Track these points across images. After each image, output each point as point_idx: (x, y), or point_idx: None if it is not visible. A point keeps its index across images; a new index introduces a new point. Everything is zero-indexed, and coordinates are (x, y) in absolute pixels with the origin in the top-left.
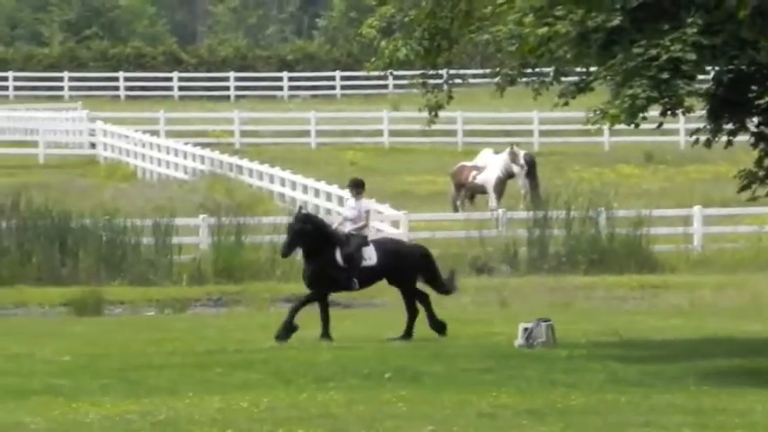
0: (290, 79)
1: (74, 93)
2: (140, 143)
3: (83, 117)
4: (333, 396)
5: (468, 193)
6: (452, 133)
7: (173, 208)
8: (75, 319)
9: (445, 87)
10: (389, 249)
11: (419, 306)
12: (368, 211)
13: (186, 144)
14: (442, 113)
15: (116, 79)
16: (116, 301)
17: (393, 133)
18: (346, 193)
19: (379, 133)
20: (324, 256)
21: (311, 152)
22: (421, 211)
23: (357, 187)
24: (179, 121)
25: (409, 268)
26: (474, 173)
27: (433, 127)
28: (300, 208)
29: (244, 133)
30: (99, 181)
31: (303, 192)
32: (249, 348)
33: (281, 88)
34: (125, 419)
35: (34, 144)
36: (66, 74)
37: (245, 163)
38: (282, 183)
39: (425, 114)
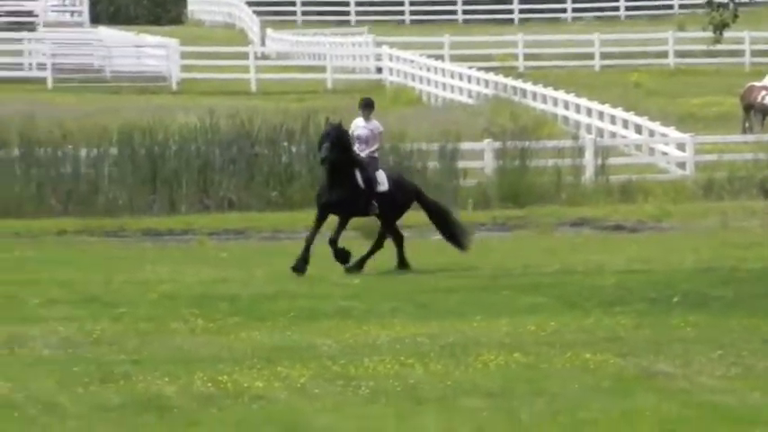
0: (574, 1)
1: (360, 18)
2: (425, 68)
3: (369, 42)
4: (620, 320)
5: (759, 114)
6: (739, 53)
7: (457, 132)
8: (364, 243)
9: (731, 6)
10: (396, 179)
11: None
12: (381, 132)
13: (470, 68)
14: (728, 34)
15: (401, 4)
16: (404, 225)
17: (678, 54)
18: (630, 116)
19: (665, 55)
20: (347, 178)
21: (595, 75)
22: (707, 133)
23: (368, 108)
24: (463, 45)
25: (406, 204)
26: (763, 93)
27: (720, 47)
28: (328, 118)
29: (527, 56)
30: (385, 105)
31: (587, 115)
32: (534, 272)
33: (564, 10)
34: (414, 342)
35: (322, 69)
36: None
37: (528, 86)
38: (566, 106)
39: (711, 34)
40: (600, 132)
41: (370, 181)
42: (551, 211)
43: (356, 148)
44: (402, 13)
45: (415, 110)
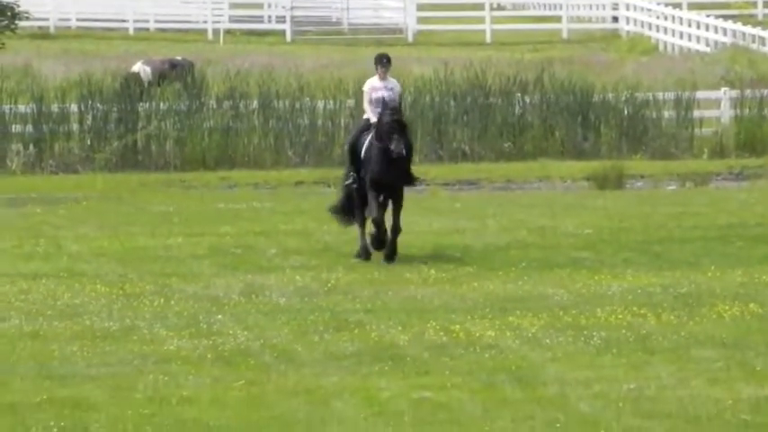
0: None
1: None
2: (662, 16)
3: None
4: None
5: None
6: None
7: (694, 81)
8: (597, 193)
9: None
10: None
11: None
12: (401, 93)
13: (708, 16)
14: None
15: None
16: (637, 175)
17: None
18: None
19: None
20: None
21: None
22: None
23: (387, 64)
24: None
25: None
26: None
27: None
28: (384, 98)
29: (767, 4)
30: (620, 55)
31: None
32: None
33: None
34: (646, 292)
35: (557, 19)
36: None
37: (767, 34)
38: None
39: None
40: None
41: (410, 149)
42: None
43: (373, 111)
44: None
45: (651, 59)
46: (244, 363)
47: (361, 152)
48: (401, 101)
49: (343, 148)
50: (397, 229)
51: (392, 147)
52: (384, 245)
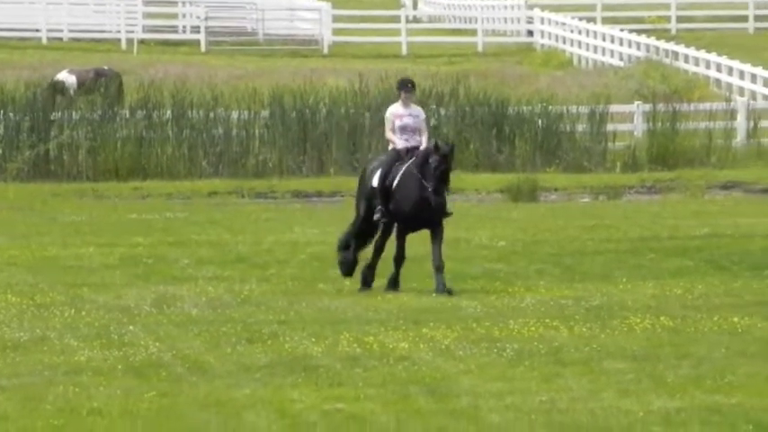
0: None
1: None
2: (577, 30)
3: (521, 5)
4: None
5: None
6: None
7: (608, 95)
8: (511, 205)
9: None
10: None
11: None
12: (426, 118)
13: (622, 30)
14: None
15: None
16: (550, 188)
17: None
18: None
19: None
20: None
21: (748, 37)
22: None
23: (412, 90)
24: (615, 8)
25: None
26: None
27: None
28: (436, 142)
29: (680, 19)
30: (535, 68)
31: (740, 78)
32: (683, 235)
33: None
34: (559, 304)
35: (473, 32)
36: None
37: (681, 49)
38: (719, 68)
39: None
40: (752, 95)
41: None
42: (701, 174)
43: (400, 138)
44: None
45: (566, 72)
46: (155, 374)
47: (393, 185)
48: (427, 125)
49: (366, 180)
50: (440, 266)
51: (437, 197)
52: (369, 285)
